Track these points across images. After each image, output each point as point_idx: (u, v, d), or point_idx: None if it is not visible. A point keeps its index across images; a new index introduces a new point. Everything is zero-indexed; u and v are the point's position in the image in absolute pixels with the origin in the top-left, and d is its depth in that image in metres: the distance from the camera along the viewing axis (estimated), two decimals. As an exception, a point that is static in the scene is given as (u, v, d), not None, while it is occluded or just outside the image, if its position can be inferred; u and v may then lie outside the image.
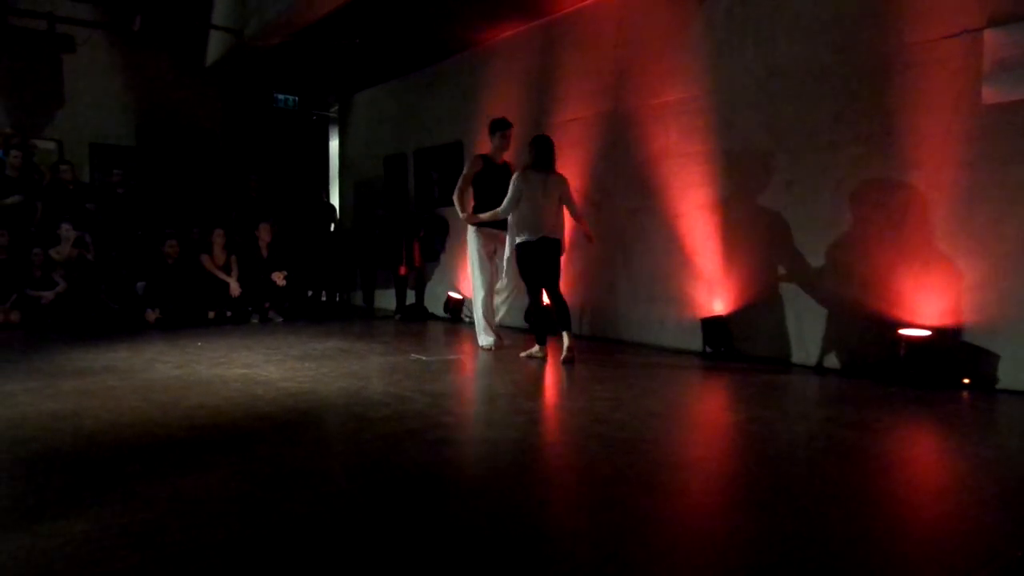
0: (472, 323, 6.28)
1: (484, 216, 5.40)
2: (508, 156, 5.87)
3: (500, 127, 5.70)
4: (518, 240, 5.19)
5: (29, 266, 7.27)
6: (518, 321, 6.74)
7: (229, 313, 7.80)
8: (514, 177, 5.18)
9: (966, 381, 4.19)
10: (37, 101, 8.82)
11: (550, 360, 5.19)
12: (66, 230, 7.52)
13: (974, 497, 2.47)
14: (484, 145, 6.01)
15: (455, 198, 5.73)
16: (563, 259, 5.37)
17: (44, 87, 8.81)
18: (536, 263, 5.16)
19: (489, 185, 5.53)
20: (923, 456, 3.16)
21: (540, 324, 5.34)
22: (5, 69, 8.57)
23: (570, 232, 5.71)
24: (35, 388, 4.06)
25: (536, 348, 5.28)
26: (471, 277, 5.84)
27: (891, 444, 3.26)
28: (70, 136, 9.02)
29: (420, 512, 2.26)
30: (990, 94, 4.10)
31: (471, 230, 5.68)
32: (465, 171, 5.73)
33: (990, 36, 4.09)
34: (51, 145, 8.91)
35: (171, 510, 2.22)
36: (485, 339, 5.72)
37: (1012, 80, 4.01)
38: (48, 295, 7.26)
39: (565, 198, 5.27)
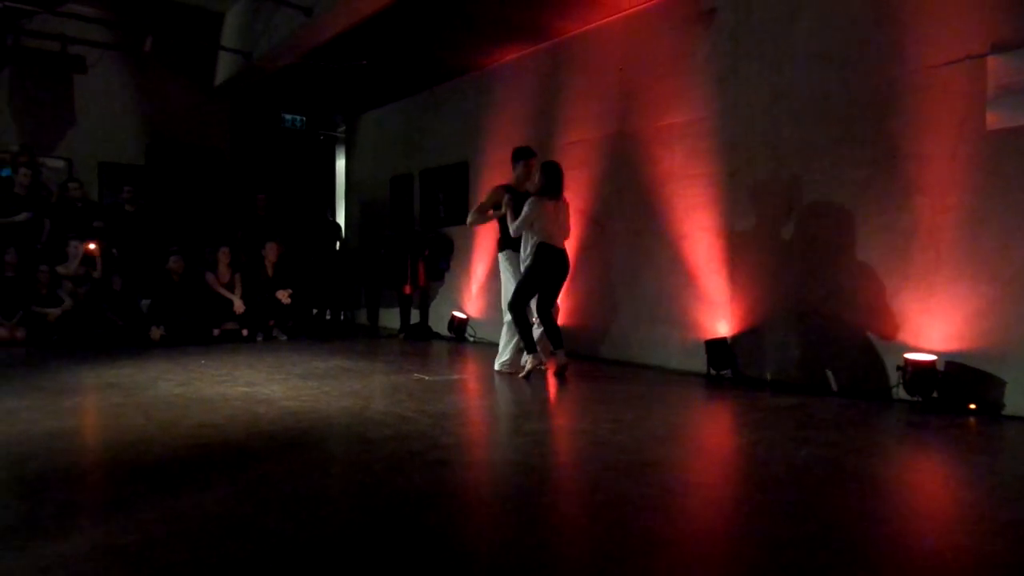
0: (476, 342, 6.24)
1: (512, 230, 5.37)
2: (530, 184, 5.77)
3: (523, 156, 5.66)
4: (539, 241, 5.23)
5: (35, 283, 7.30)
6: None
7: (245, 332, 7.79)
8: (530, 201, 5.22)
9: (972, 407, 4.15)
10: (48, 120, 8.92)
11: (552, 380, 5.18)
12: (74, 246, 7.57)
13: (983, 525, 2.43)
14: (494, 169, 6.03)
15: (470, 222, 5.85)
16: (566, 282, 5.43)
17: (55, 107, 8.92)
18: (550, 270, 5.30)
19: (516, 214, 5.42)
20: (929, 482, 3.13)
21: (527, 334, 5.30)
22: (18, 89, 8.68)
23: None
24: (38, 405, 4.06)
25: (529, 360, 5.25)
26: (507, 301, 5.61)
27: (896, 470, 3.23)
28: (80, 155, 9.09)
29: (421, 536, 2.24)
30: (994, 119, 4.11)
31: (503, 258, 5.66)
32: (483, 199, 5.70)
33: (993, 62, 4.11)
34: (61, 164, 8.99)
35: (169, 530, 2.21)
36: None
37: (1016, 106, 4.02)
38: (54, 312, 7.29)
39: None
